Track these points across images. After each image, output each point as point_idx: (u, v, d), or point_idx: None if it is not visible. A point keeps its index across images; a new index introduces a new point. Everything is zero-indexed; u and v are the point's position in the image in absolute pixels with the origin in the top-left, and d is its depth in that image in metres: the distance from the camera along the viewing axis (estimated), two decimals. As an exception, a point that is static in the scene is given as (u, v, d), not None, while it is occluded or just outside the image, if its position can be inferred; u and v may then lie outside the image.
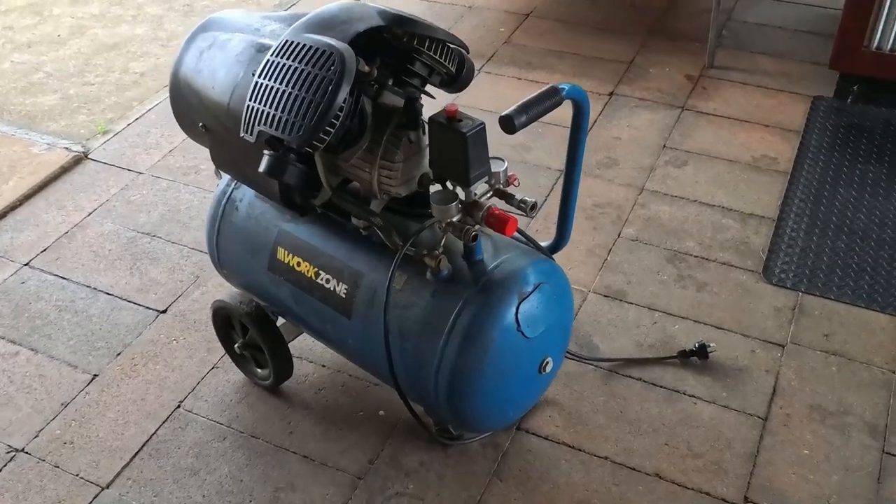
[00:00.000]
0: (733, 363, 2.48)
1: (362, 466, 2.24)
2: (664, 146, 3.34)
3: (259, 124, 1.78)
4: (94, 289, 2.81)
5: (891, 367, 2.45)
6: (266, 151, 1.81)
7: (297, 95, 1.73)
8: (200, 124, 2.07)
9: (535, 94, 1.78)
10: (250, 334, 2.34)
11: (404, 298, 1.95)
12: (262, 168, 1.81)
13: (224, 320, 2.41)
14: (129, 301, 2.76)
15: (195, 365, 2.54)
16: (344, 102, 1.72)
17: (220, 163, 2.13)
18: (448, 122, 1.77)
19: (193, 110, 2.07)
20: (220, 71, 1.97)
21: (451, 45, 1.94)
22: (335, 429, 2.34)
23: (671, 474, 2.20)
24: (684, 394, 2.40)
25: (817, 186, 3.11)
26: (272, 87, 1.77)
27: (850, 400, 2.36)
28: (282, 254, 2.15)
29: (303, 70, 1.74)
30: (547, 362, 2.01)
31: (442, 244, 1.91)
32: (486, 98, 3.54)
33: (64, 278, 2.86)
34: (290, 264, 2.14)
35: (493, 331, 1.88)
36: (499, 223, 1.82)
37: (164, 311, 2.72)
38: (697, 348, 2.47)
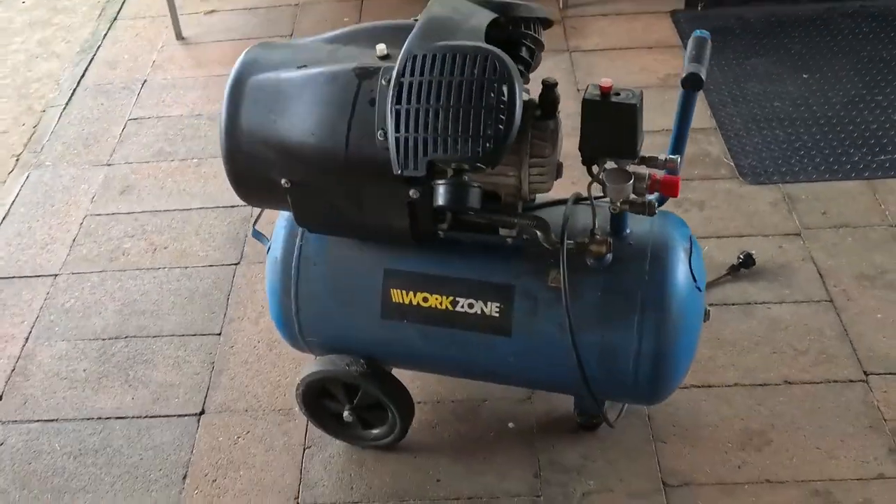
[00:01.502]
0: (773, 262, 2.64)
1: (531, 484, 2.12)
2: (578, 90, 3.42)
3: (426, 154, 1.57)
4: (100, 418, 2.35)
5: (888, 223, 2.74)
6: (440, 181, 1.61)
7: (468, 109, 1.55)
8: (283, 181, 1.78)
9: (690, 47, 1.74)
10: (362, 395, 2.10)
11: (570, 294, 1.84)
12: (442, 201, 1.61)
13: (318, 393, 2.13)
14: (153, 416, 2.35)
15: (283, 454, 2.23)
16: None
17: (312, 218, 1.86)
18: (605, 97, 1.68)
19: (271, 167, 1.78)
20: (313, 112, 1.70)
21: (543, 22, 1.83)
22: (478, 460, 2.18)
23: (797, 376, 2.31)
24: (755, 303, 2.52)
25: (727, 89, 3.36)
26: (428, 109, 1.57)
27: (879, 260, 2.62)
28: (398, 295, 1.94)
29: (461, 81, 1.56)
30: (708, 310, 2.01)
31: (597, 226, 1.83)
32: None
33: (51, 420, 2.35)
34: (415, 303, 1.93)
35: (681, 296, 1.85)
36: (668, 187, 1.78)
37: (203, 413, 2.35)
38: (744, 259, 2.59)
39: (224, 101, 1.79)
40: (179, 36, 3.91)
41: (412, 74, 1.59)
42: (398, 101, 1.59)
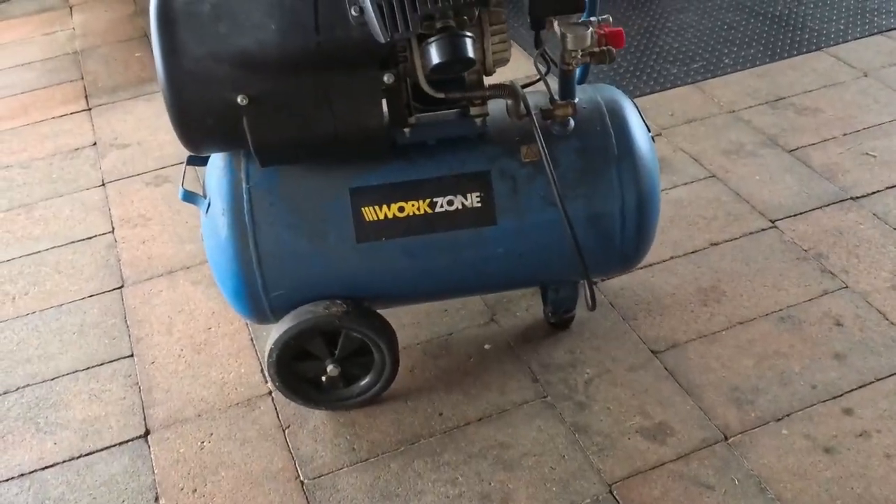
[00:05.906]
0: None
1: (534, 389, 2.05)
2: None
3: (415, 10, 1.50)
4: (22, 475, 1.95)
5: (725, 110, 3.01)
6: (431, 40, 1.54)
7: None
8: (240, 98, 1.62)
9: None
10: (344, 342, 1.92)
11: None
12: (439, 57, 1.53)
13: (293, 355, 1.92)
14: (89, 454, 1.99)
15: (262, 442, 1.97)
16: None
17: (272, 140, 1.69)
18: (548, -47, 1.71)
19: (225, 86, 1.61)
20: (269, 7, 1.57)
21: None
22: (471, 384, 2.07)
23: (718, 237, 2.44)
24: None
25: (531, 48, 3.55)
26: None
27: (733, 137, 2.86)
28: (371, 213, 1.82)
29: None
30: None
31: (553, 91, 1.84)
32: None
33: (-41, 495, 1.91)
34: (390, 216, 1.82)
35: (644, 141, 1.90)
36: (614, 37, 1.83)
37: (148, 432, 2.02)
38: (629, 159, 2.73)
39: (154, 30, 1.61)
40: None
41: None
42: None
